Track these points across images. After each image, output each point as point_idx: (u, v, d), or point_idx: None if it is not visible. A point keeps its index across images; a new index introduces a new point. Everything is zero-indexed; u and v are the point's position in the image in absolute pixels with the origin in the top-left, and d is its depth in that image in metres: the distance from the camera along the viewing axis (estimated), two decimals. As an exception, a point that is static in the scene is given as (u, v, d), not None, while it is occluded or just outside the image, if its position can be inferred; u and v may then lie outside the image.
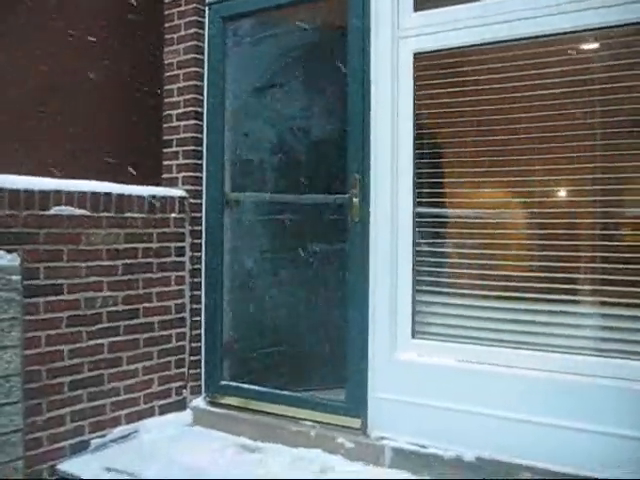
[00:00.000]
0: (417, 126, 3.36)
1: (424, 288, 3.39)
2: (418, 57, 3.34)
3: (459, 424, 3.13)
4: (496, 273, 3.19)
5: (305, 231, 4.09)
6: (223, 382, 3.97)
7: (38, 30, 3.60)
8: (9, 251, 3.10)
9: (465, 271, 3.31)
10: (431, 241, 3.40)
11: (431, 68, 3.35)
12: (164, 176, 4.10)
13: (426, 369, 3.26)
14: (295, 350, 4.12)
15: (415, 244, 3.38)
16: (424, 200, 3.39)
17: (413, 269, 3.37)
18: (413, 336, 3.36)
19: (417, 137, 3.36)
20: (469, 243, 3.30)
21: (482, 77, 3.22)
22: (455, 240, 3.37)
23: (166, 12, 4.09)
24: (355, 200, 3.43)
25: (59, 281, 3.32)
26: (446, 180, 3.39)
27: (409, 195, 3.36)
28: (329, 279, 4.00)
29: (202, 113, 4.02)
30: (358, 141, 3.45)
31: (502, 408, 3.02)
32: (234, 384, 3.93)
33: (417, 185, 3.37)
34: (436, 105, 3.36)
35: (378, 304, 3.41)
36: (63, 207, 3.32)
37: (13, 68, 3.49)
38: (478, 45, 3.19)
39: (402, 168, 3.37)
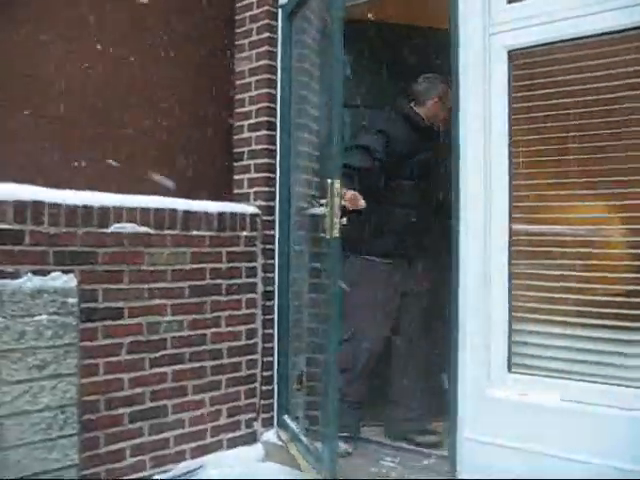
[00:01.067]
0: (512, 132, 2.99)
1: (521, 315, 2.98)
2: (513, 54, 2.96)
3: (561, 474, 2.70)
4: (605, 299, 2.76)
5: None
6: (298, 414, 3.65)
7: (107, 42, 3.40)
8: (65, 272, 2.88)
9: (569, 296, 2.89)
10: (528, 262, 2.99)
11: (528, 67, 2.96)
12: (235, 191, 3.83)
13: (525, 408, 2.84)
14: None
15: (511, 265, 2.98)
16: (521, 216, 2.99)
17: (509, 294, 2.97)
18: (509, 370, 2.96)
19: (513, 144, 2.98)
20: (571, 264, 2.88)
21: (587, 75, 2.81)
22: (556, 261, 2.95)
23: (237, 17, 3.85)
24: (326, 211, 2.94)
25: (119, 304, 3.08)
26: (545, 193, 2.97)
27: (504, 210, 2.97)
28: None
29: (275, 123, 3.75)
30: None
31: (616, 458, 2.58)
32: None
33: (513, 199, 2.98)
34: (534, 108, 2.97)
35: (469, 333, 3.02)
36: (124, 224, 3.09)
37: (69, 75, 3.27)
38: (584, 38, 2.78)
39: (496, 180, 2.98)
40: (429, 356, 3.77)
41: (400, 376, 3.77)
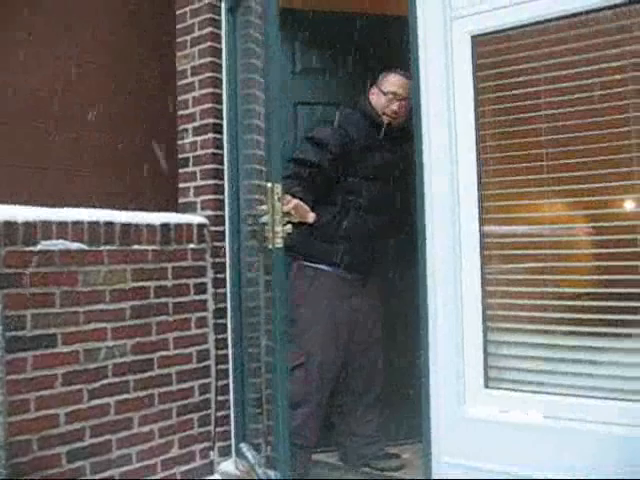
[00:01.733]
0: (479, 126, 2.74)
1: (496, 325, 2.73)
2: (478, 40, 2.72)
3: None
4: (591, 304, 2.52)
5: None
6: (256, 441, 3.34)
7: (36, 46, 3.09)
8: (-15, 296, 2.55)
9: (547, 302, 2.65)
10: (501, 266, 2.75)
11: (494, 54, 2.72)
12: (180, 201, 3.52)
13: (505, 427, 2.58)
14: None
15: (482, 270, 2.73)
16: (491, 216, 2.75)
17: (482, 302, 2.72)
18: (486, 385, 2.70)
19: (480, 139, 2.73)
20: (550, 267, 2.64)
21: (559, 61, 2.58)
22: (531, 264, 2.71)
23: (178, 12, 3.55)
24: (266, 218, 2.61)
25: (51, 331, 2.75)
26: (517, 191, 2.73)
27: (473, 211, 2.72)
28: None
29: (222, 125, 3.45)
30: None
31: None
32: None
33: (483, 198, 2.73)
34: (502, 99, 2.73)
35: (440, 345, 2.76)
36: (54, 241, 2.77)
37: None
38: (555, 19, 2.55)
39: (463, 178, 2.73)
40: (390, 374, 3.50)
41: (356, 403, 3.43)
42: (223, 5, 3.45)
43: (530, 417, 2.54)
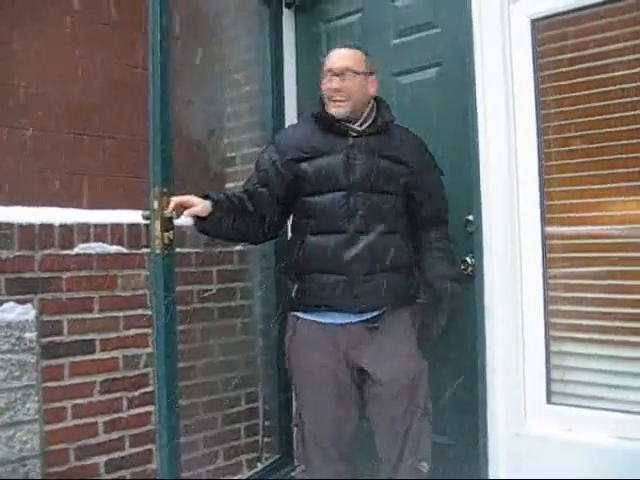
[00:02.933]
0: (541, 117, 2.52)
1: (560, 334, 2.51)
2: (538, 24, 2.50)
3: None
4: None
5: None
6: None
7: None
8: (20, 302, 2.48)
9: (617, 310, 2.41)
10: (565, 271, 2.52)
11: (556, 39, 2.50)
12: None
13: (570, 447, 2.36)
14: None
15: (545, 275, 2.51)
16: (554, 216, 2.53)
17: (544, 309, 2.50)
18: (549, 401, 2.48)
19: (542, 132, 2.51)
20: (620, 272, 2.40)
21: (629, 43, 2.34)
22: (599, 268, 2.47)
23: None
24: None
25: (89, 336, 2.67)
26: (583, 188, 2.50)
27: (535, 210, 2.50)
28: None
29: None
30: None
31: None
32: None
33: (545, 197, 2.51)
34: (565, 88, 2.50)
35: (498, 355, 2.55)
36: (92, 244, 2.68)
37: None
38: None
39: (524, 175, 2.53)
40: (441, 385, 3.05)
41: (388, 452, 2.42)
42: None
43: (596, 436, 2.32)
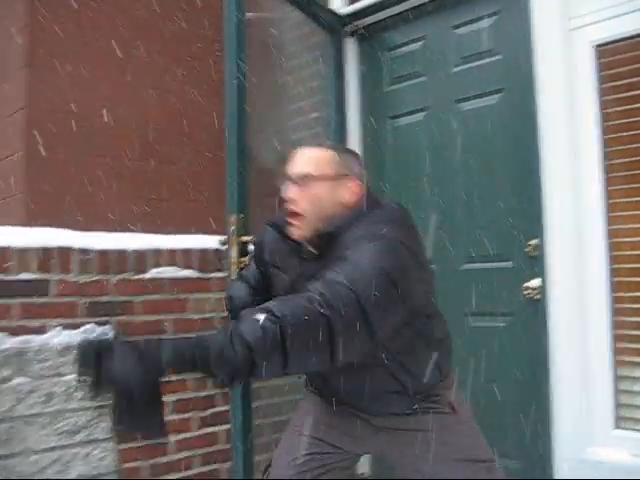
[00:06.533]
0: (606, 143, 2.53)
1: (629, 359, 2.49)
2: (601, 50, 2.51)
3: None
4: None
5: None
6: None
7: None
8: (99, 323, 2.59)
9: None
10: (633, 295, 2.50)
11: (620, 64, 2.51)
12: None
13: (636, 474, 2.33)
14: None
15: (612, 296, 2.51)
16: (620, 240, 2.52)
17: (611, 333, 2.48)
18: (616, 425, 2.46)
19: (607, 157, 2.52)
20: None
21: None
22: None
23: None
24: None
25: (162, 358, 2.76)
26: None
27: (601, 235, 2.51)
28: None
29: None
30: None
31: None
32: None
33: (610, 221, 2.51)
34: (630, 112, 2.50)
35: (564, 380, 2.55)
36: (164, 268, 2.79)
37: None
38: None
39: (588, 200, 2.54)
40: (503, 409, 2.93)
41: None
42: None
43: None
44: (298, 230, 1.80)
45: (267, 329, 1.41)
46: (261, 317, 1.43)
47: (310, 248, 1.80)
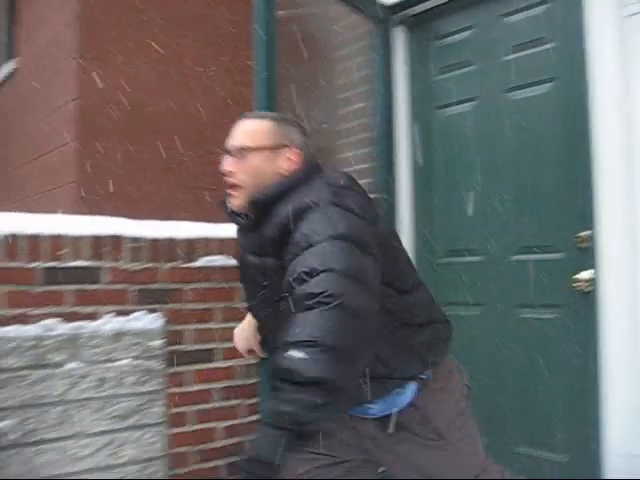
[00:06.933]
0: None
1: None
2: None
3: None
4: None
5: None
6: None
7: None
8: (148, 311, 2.63)
9: None
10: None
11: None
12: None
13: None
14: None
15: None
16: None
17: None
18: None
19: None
20: None
21: None
22: None
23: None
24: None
25: (210, 345, 2.79)
26: None
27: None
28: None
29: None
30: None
31: None
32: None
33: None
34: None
35: (615, 373, 2.52)
36: (213, 257, 2.81)
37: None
38: None
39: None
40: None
41: None
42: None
43: None
44: (236, 200, 1.80)
45: (317, 359, 1.37)
46: (300, 354, 1.38)
47: (243, 218, 1.80)
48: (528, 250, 2.94)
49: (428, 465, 1.80)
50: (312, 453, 1.83)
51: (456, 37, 3.28)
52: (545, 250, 2.87)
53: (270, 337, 1.83)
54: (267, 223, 1.69)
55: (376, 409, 1.72)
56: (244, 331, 2.10)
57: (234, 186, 1.79)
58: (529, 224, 2.92)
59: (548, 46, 2.90)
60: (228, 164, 1.81)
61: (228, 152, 1.82)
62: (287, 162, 1.80)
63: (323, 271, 1.47)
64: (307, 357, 1.37)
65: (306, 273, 1.48)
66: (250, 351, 2.10)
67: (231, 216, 1.85)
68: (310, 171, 1.79)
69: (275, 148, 1.80)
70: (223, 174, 1.81)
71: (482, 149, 3.12)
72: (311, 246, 1.53)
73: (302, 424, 1.36)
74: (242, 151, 1.80)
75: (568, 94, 2.78)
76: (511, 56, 3.03)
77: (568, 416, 2.72)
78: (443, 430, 1.76)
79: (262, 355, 2.08)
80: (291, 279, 1.52)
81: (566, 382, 2.76)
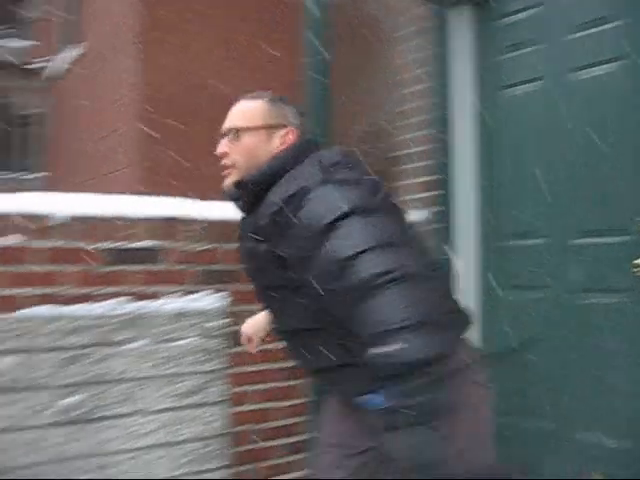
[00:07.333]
0: None
1: None
2: None
3: None
4: None
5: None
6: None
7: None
8: (210, 292, 2.67)
9: None
10: None
11: None
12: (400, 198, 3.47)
13: None
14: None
15: None
16: None
17: None
18: None
19: None
20: None
21: None
22: None
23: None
24: None
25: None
26: None
27: None
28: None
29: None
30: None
31: None
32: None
33: None
34: None
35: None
36: (273, 238, 2.83)
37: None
38: None
39: None
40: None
41: None
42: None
43: None
44: (231, 178, 1.78)
45: (414, 342, 1.32)
46: (396, 345, 1.32)
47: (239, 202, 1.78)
48: (591, 233, 2.86)
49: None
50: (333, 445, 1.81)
51: (522, 15, 3.18)
52: (608, 234, 2.80)
53: (277, 322, 1.84)
54: (259, 211, 1.66)
55: (378, 399, 1.45)
56: (256, 321, 2.15)
57: (229, 167, 1.78)
58: (593, 207, 2.85)
59: (616, 23, 2.80)
60: (223, 146, 1.79)
61: (222, 135, 1.81)
62: (282, 142, 1.78)
63: (362, 252, 1.41)
64: (405, 345, 1.32)
65: (344, 262, 1.42)
66: (249, 339, 2.17)
67: (231, 200, 1.83)
68: (300, 150, 1.75)
69: (268, 128, 1.78)
70: (219, 157, 1.79)
71: (548, 129, 3.03)
72: (324, 234, 1.47)
73: (437, 404, 1.33)
74: (237, 132, 1.78)
75: (637, 73, 2.69)
76: (579, 34, 2.93)
77: (630, 401, 2.66)
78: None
79: (252, 351, 2.19)
80: (325, 273, 1.46)
81: (628, 367, 2.70)
